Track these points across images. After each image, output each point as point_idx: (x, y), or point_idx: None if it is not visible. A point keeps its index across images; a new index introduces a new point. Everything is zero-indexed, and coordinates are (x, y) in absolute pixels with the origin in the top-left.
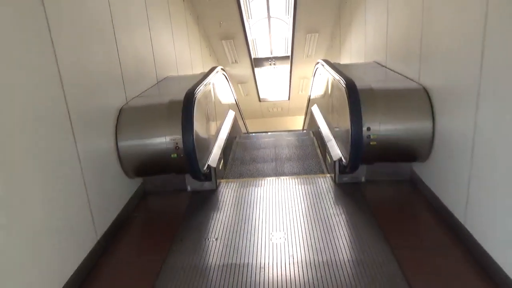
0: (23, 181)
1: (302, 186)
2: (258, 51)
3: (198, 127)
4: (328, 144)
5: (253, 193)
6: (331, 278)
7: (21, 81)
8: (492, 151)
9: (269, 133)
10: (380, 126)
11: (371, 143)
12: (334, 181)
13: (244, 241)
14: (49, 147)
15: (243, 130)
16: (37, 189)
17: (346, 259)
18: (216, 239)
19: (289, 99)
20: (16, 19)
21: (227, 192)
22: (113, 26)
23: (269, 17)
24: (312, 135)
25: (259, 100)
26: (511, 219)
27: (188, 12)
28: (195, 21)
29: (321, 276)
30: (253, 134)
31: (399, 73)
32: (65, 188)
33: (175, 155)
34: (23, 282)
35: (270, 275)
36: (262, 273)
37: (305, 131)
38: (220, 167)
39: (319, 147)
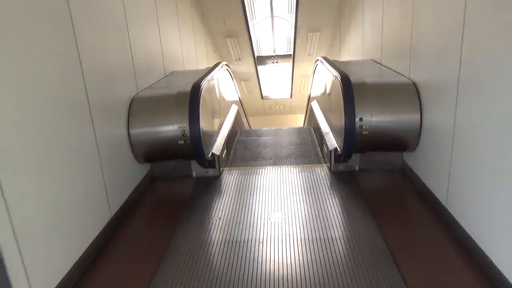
0: (52, 164)
1: (300, 174)
2: (261, 49)
3: (204, 117)
4: (326, 136)
5: (254, 180)
6: (323, 251)
7: (49, 75)
8: (468, 141)
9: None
10: (372, 117)
11: (363, 132)
12: (330, 169)
13: (245, 220)
14: (73, 134)
15: (246, 127)
16: (63, 170)
17: (338, 236)
18: (219, 218)
19: (291, 97)
20: (45, 18)
21: (230, 178)
22: (127, 22)
23: (272, 16)
24: (312, 131)
25: (262, 97)
26: (485, 201)
27: (194, 10)
28: (200, 19)
29: (315, 249)
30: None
31: (392, 70)
32: (85, 170)
33: (182, 141)
34: (48, 248)
35: (268, 249)
36: (260, 247)
37: (305, 127)
38: (223, 156)
39: (318, 143)
